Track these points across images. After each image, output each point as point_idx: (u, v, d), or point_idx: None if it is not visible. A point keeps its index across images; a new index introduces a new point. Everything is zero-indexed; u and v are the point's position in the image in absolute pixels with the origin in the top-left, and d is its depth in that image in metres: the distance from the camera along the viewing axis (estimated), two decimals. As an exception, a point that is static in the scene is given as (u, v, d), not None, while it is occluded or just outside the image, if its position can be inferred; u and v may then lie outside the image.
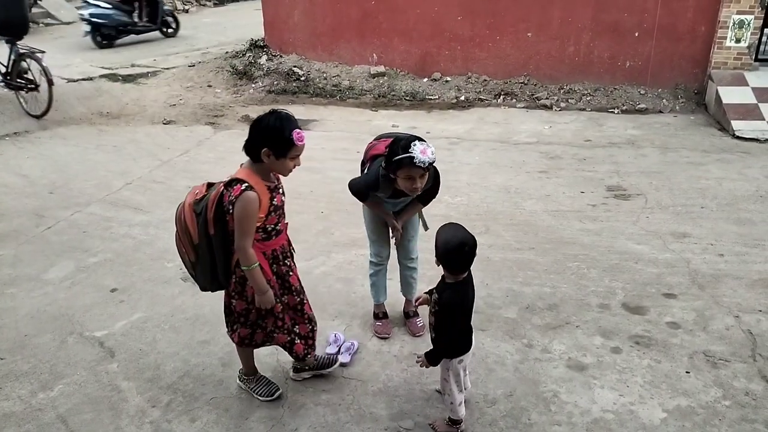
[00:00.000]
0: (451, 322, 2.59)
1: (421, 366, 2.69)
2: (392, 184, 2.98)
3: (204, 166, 6.38)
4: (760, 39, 7.57)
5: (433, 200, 3.25)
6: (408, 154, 2.76)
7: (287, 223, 2.81)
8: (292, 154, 2.52)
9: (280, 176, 2.67)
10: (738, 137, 6.76)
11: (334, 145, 6.92)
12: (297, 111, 8.39)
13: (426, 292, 2.77)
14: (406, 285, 3.61)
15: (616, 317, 3.66)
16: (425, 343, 3.41)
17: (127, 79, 9.84)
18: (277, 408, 2.99)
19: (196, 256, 2.62)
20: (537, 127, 7.46)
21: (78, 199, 5.58)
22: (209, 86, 9.62)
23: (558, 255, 4.39)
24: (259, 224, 2.57)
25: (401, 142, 2.83)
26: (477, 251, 2.53)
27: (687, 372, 3.17)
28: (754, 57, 7.63)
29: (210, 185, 2.65)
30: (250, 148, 2.52)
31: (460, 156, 6.48)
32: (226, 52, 11.18)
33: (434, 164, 2.89)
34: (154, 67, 10.58)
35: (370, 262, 3.54)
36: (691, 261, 4.26)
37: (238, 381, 3.13)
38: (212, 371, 3.27)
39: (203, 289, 2.76)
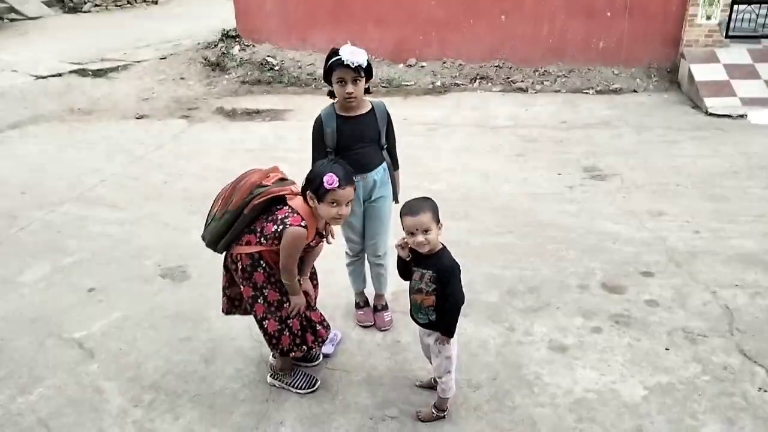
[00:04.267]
0: (458, 284, 2.57)
1: (442, 344, 2.66)
2: (334, 113, 3.23)
3: (179, 161, 6.29)
4: (730, 16, 7.64)
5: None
6: (337, 57, 2.99)
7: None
8: (329, 198, 2.58)
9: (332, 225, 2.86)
10: (711, 114, 6.84)
11: (311, 135, 6.84)
12: (272, 101, 8.34)
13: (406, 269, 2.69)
14: (375, 280, 3.57)
15: (595, 297, 3.70)
16: (396, 332, 3.42)
17: (98, 73, 9.64)
18: (262, 402, 2.98)
19: (221, 215, 2.76)
20: (513, 110, 7.47)
21: (51, 198, 5.47)
22: (182, 79, 9.46)
23: (537, 238, 4.42)
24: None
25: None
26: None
27: (666, 349, 3.22)
28: (724, 34, 7.70)
29: (282, 180, 2.85)
30: (302, 190, 2.69)
31: (438, 142, 6.46)
32: (198, 44, 10.98)
33: (369, 66, 3.11)
34: (125, 60, 10.37)
35: (346, 253, 3.54)
36: (668, 239, 4.32)
37: (269, 379, 3.08)
38: (194, 368, 3.24)
39: (203, 237, 2.86)
